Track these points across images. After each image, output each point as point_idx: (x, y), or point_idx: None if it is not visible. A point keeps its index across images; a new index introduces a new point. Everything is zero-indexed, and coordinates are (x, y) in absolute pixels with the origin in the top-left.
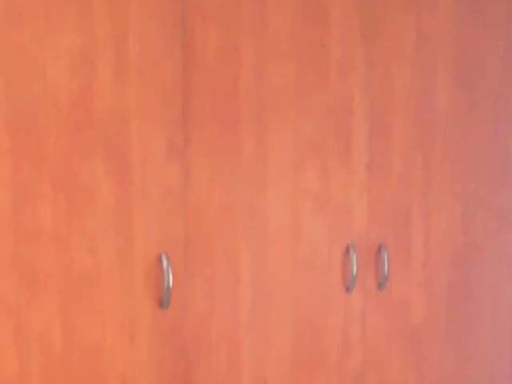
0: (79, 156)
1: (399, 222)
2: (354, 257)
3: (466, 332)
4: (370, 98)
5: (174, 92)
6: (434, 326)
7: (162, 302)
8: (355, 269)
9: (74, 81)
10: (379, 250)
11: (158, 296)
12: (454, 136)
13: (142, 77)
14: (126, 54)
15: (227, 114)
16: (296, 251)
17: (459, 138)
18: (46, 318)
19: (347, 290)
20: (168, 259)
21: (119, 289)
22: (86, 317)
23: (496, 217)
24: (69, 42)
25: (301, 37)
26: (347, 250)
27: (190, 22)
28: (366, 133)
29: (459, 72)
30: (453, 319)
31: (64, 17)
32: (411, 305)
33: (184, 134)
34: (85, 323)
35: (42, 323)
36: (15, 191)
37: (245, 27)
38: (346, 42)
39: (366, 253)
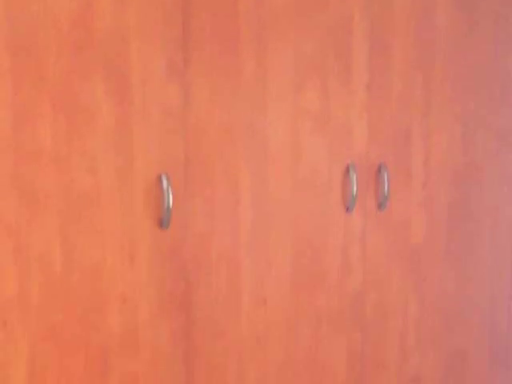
0: (79, 76)
1: (399, 142)
2: (353, 177)
3: (466, 252)
4: (370, 18)
5: (174, 11)
6: (434, 246)
7: (162, 222)
8: (355, 189)
9: (73, 0)
10: (379, 170)
11: (157, 216)
12: (454, 56)
13: None
14: None
15: (227, 33)
16: (296, 171)
17: (459, 57)
18: (46, 238)
19: (347, 210)
20: (168, 179)
21: (119, 209)
22: (85, 237)
23: (496, 137)
24: None
25: None
26: (347, 170)
27: None
28: (365, 52)
29: None
30: (453, 239)
31: None
32: (411, 225)
33: (184, 53)
34: (85, 243)
35: (42, 243)
36: (15, 111)
37: None
38: None
39: (366, 173)
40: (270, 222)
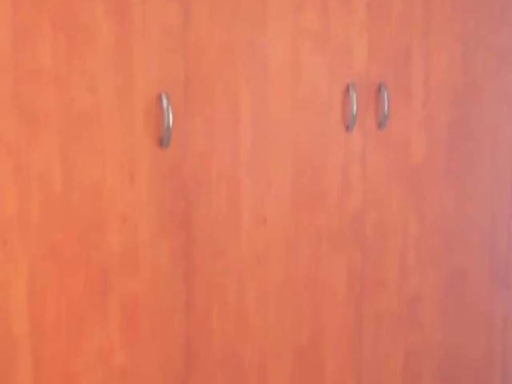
0: None
1: (399, 61)
2: (353, 96)
3: (466, 171)
4: None
5: None
6: (434, 165)
7: (162, 142)
8: (355, 108)
9: None
10: (379, 89)
11: (157, 135)
12: None
13: None
14: None
15: None
16: (296, 90)
17: None
18: (46, 157)
19: (347, 129)
20: (168, 98)
21: (119, 128)
22: (85, 156)
23: (496, 56)
24: None
25: None
26: (347, 89)
27: None
28: None
29: None
30: (453, 158)
31: None
32: (411, 144)
33: None
34: (85, 162)
35: (42, 162)
36: (15, 30)
37: None
38: None
39: (366, 92)
40: (270, 142)
